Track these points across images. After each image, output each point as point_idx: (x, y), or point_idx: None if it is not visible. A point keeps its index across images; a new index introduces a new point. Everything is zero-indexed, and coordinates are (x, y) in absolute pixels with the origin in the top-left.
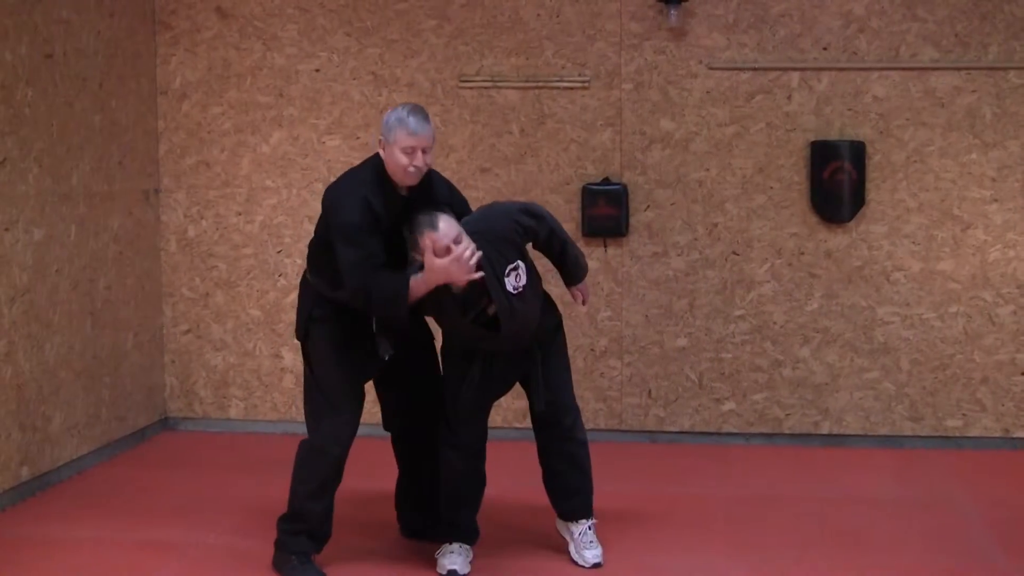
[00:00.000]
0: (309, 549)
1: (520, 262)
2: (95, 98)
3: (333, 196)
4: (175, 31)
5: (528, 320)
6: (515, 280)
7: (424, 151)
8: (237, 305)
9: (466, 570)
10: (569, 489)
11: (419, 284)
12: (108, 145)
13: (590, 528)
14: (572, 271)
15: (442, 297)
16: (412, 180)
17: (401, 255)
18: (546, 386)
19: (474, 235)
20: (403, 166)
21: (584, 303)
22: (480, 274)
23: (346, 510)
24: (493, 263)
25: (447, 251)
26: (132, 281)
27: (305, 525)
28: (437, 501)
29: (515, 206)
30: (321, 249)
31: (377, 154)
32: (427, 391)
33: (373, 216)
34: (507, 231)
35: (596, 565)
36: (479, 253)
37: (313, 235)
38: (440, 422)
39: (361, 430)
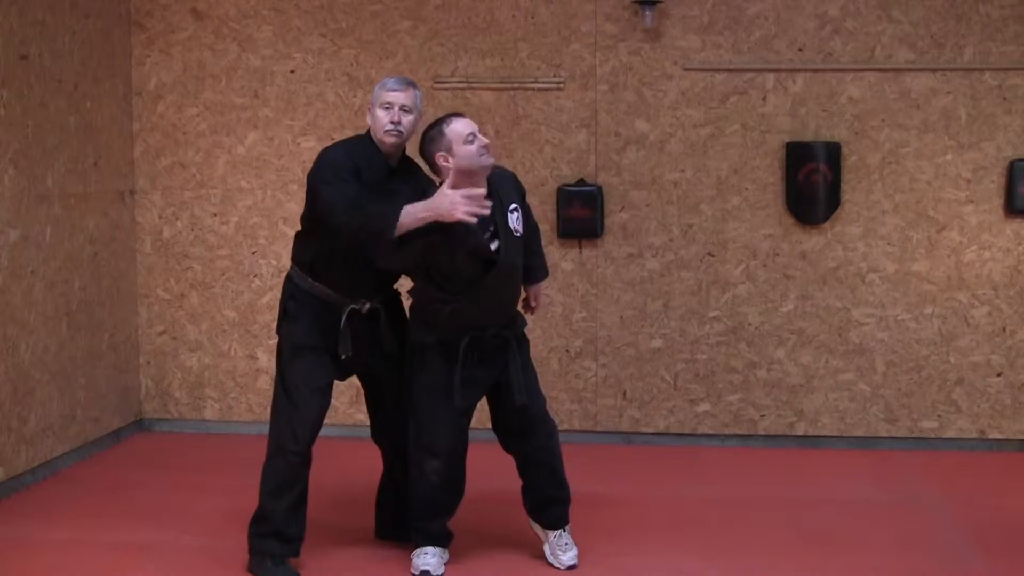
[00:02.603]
0: (281, 551)
1: (519, 207)
2: (70, 99)
3: (320, 154)
4: (150, 32)
5: (514, 281)
6: (515, 222)
7: (404, 109)
8: (212, 306)
9: (440, 571)
10: (548, 501)
11: (419, 207)
12: (83, 146)
13: (565, 530)
14: (538, 263)
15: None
16: (392, 139)
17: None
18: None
19: None
20: (382, 124)
21: (535, 308)
22: (491, 161)
23: (322, 511)
24: (500, 195)
25: (473, 138)
26: (107, 282)
27: (271, 526)
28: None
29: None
30: (305, 228)
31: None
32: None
33: (356, 169)
34: (512, 178)
35: (571, 567)
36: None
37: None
38: (413, 426)
39: (340, 431)
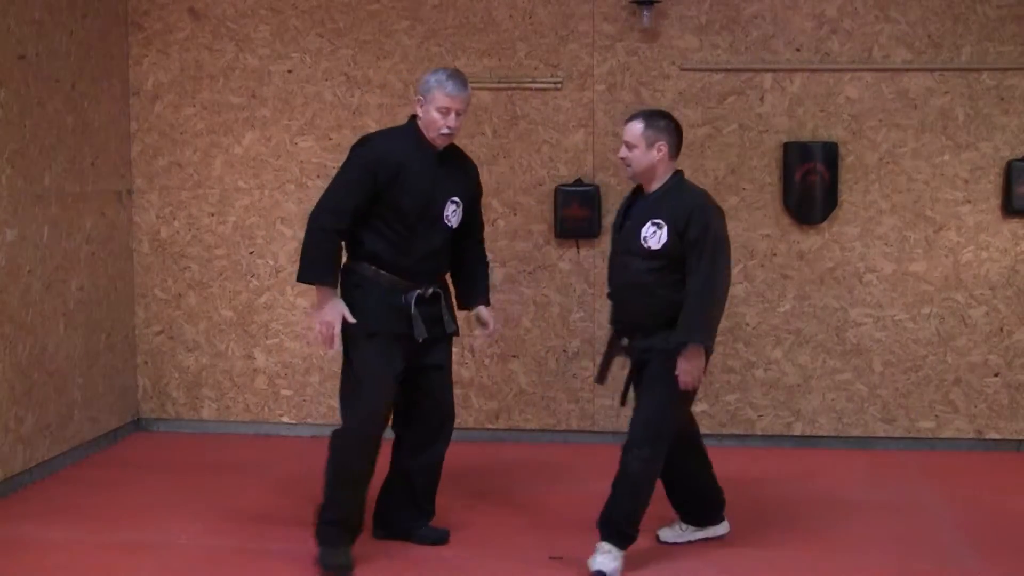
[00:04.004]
0: (346, 537)
1: (660, 226)
2: (68, 99)
3: (360, 139)
4: (147, 32)
5: (632, 286)
6: (651, 237)
7: (458, 113)
8: (209, 306)
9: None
10: (605, 511)
11: (322, 291)
12: (81, 146)
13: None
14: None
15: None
16: (443, 142)
17: (427, 209)
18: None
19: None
20: (438, 127)
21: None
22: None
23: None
24: (653, 211)
25: (624, 148)
26: (105, 282)
27: (335, 514)
28: (426, 500)
29: (708, 212)
30: (362, 220)
31: (414, 116)
32: (439, 402)
33: (393, 168)
34: (683, 205)
35: (598, 573)
36: None
37: None
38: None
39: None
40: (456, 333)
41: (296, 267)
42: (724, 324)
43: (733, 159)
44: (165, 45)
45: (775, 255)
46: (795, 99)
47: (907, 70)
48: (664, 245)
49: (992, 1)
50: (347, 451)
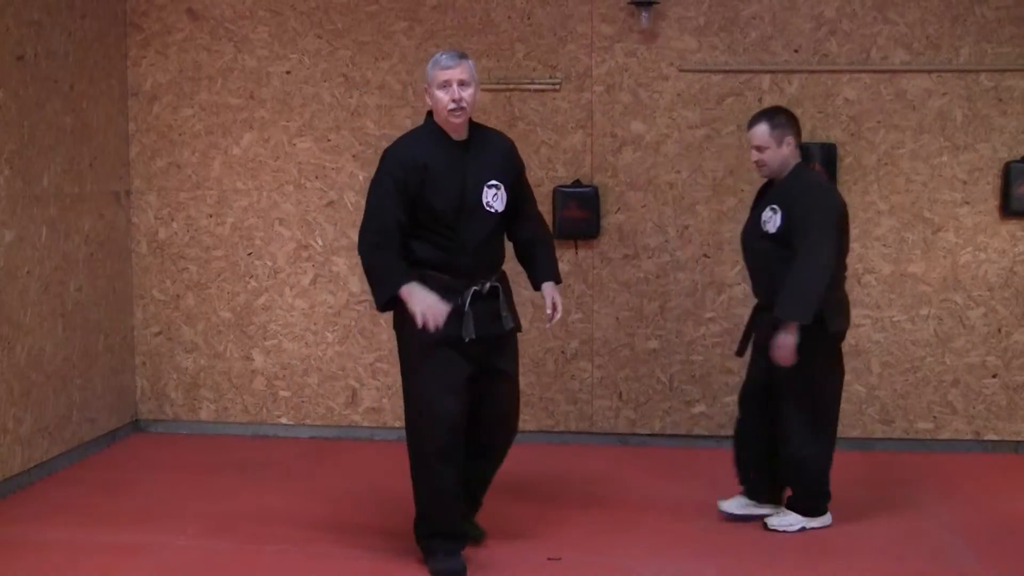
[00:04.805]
0: (450, 546)
1: (775, 211)
2: (66, 100)
3: (383, 153)
4: (146, 33)
5: (758, 268)
6: (767, 222)
7: (461, 84)
8: (208, 307)
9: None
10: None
11: (410, 290)
12: (79, 147)
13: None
14: (780, 296)
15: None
16: (456, 118)
17: (463, 201)
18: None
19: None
20: (444, 104)
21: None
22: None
23: (320, 511)
24: (772, 197)
25: (755, 152)
26: (103, 283)
27: (434, 527)
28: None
29: (813, 192)
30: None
31: (429, 112)
32: (500, 416)
33: (420, 171)
34: (796, 192)
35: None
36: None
37: None
38: None
39: (336, 432)
40: (518, 329)
41: (295, 268)
42: (723, 326)
43: (732, 160)
44: (163, 46)
45: None
46: (793, 100)
47: (905, 71)
48: (778, 229)
49: (990, 2)
50: (422, 472)
